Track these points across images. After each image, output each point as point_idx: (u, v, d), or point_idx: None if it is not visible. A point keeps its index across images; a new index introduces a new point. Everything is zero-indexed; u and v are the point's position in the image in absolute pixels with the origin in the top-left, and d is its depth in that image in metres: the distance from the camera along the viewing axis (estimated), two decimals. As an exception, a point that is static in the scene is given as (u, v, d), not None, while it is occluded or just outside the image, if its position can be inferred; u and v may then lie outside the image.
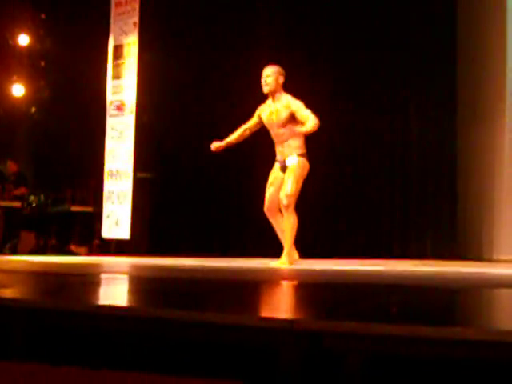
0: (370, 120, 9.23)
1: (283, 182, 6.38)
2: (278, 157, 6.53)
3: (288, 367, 1.87)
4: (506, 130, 8.84)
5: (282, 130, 6.45)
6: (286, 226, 6.34)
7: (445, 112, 9.11)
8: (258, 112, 6.62)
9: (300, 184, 6.37)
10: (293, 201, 6.32)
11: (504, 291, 3.80)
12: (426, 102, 9.19)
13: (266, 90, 6.48)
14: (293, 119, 6.37)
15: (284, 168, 6.46)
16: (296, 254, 6.50)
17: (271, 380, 1.84)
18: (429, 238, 9.25)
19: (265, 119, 6.55)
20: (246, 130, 6.67)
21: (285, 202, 6.29)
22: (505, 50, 8.87)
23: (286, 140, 6.43)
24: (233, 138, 6.68)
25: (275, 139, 6.53)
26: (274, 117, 6.46)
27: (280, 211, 6.46)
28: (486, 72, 9.03)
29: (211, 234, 9.12)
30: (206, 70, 9.26)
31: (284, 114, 6.39)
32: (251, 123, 6.65)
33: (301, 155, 6.42)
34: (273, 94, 6.48)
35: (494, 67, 8.95)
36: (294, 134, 6.36)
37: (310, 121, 6.22)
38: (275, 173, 6.54)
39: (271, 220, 6.55)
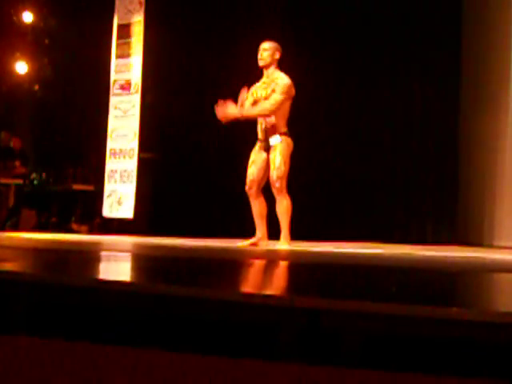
0: (372, 105, 9.22)
1: (270, 164, 6.29)
2: (260, 136, 6.43)
3: (286, 344, 1.88)
4: (509, 116, 8.83)
5: None
6: (280, 211, 6.27)
7: (448, 98, 9.10)
8: (250, 92, 6.49)
9: (288, 163, 6.29)
10: (285, 183, 6.27)
11: (503, 276, 3.81)
12: (430, 87, 9.19)
13: (261, 63, 6.44)
14: None
15: (267, 148, 6.37)
16: (267, 241, 6.44)
17: (270, 356, 1.85)
18: (429, 223, 9.26)
19: (254, 94, 6.48)
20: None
21: (277, 184, 6.24)
22: (509, 39, 8.84)
23: (269, 117, 6.33)
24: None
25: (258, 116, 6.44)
26: (261, 91, 6.41)
27: (262, 193, 6.43)
28: (490, 60, 9.00)
29: (214, 215, 9.13)
30: (213, 50, 9.22)
31: (269, 90, 6.34)
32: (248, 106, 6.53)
33: (283, 134, 6.34)
34: (266, 68, 6.43)
35: (498, 56, 8.93)
36: (277, 113, 6.30)
37: (262, 105, 6.24)
38: (257, 152, 6.44)
39: (252, 201, 6.43)
